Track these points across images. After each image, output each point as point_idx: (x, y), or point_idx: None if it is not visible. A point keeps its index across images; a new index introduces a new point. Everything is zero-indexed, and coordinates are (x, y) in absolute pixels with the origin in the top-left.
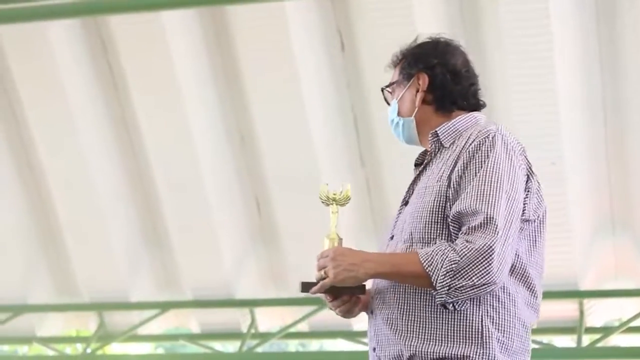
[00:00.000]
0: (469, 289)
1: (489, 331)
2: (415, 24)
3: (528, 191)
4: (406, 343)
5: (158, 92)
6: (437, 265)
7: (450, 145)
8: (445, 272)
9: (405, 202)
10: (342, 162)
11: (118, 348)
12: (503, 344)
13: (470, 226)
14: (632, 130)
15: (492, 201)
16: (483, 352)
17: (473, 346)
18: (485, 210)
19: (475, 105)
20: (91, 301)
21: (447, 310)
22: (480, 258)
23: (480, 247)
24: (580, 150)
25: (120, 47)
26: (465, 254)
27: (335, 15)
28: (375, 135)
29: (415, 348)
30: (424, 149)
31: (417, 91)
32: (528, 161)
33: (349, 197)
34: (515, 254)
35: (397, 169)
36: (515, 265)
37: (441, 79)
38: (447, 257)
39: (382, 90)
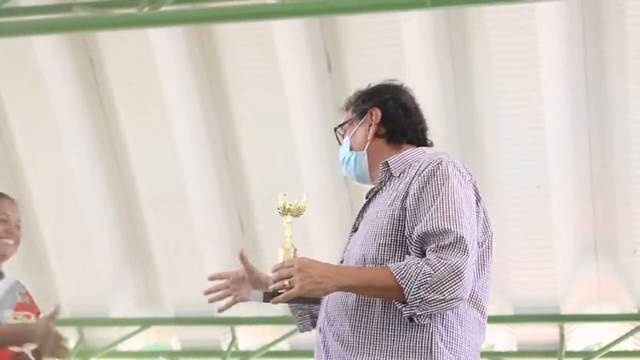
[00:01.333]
0: (438, 303)
1: (438, 347)
2: (403, 45)
3: (477, 216)
4: (356, 359)
5: (144, 109)
6: (410, 278)
7: (400, 175)
8: (419, 285)
9: (355, 229)
10: (327, 181)
11: None
12: (452, 358)
13: (440, 245)
14: (616, 156)
15: (459, 222)
16: None
17: (423, 359)
18: (456, 231)
19: (423, 141)
20: (71, 316)
21: (398, 327)
22: (452, 274)
23: (454, 263)
24: (566, 174)
25: (107, 63)
26: (439, 269)
27: (322, 36)
28: None
29: None
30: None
31: (370, 126)
32: (476, 188)
33: (303, 209)
34: None
35: None
36: None
37: (393, 112)
38: (421, 270)
39: (335, 130)
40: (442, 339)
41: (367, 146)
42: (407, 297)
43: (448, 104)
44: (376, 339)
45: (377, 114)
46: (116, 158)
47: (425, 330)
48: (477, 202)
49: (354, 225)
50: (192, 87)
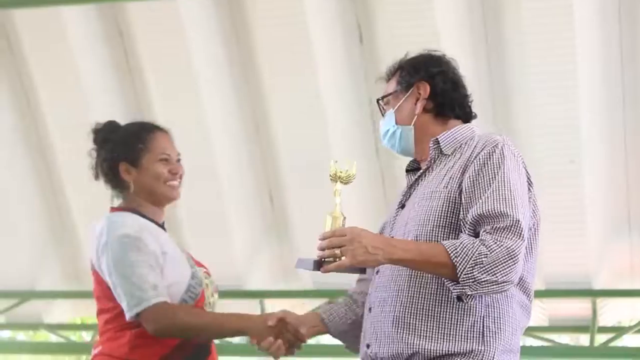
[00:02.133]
0: (491, 284)
1: (489, 329)
2: (435, 18)
3: (529, 199)
4: (408, 340)
5: (173, 79)
6: (465, 257)
7: (452, 153)
8: (473, 264)
9: (402, 205)
10: (358, 153)
11: None
12: (502, 341)
13: (497, 227)
14: None
15: (515, 206)
16: (485, 349)
17: (475, 343)
18: (512, 214)
19: (469, 114)
20: None
21: (449, 309)
22: (507, 257)
23: (509, 246)
24: (599, 150)
25: (136, 32)
26: (495, 250)
27: (354, 7)
28: None
29: (417, 346)
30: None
31: (417, 100)
32: (527, 172)
33: (353, 176)
34: None
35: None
36: None
37: (442, 86)
38: (477, 250)
39: (378, 101)
40: (494, 322)
41: (414, 121)
42: (460, 275)
43: (481, 77)
44: (428, 320)
45: (425, 88)
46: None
47: (477, 314)
48: (529, 186)
49: (401, 201)
50: (222, 59)
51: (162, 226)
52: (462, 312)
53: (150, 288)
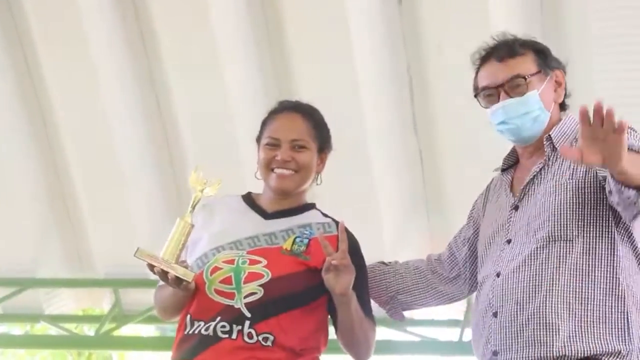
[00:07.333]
0: None
1: (635, 324)
2: None
3: None
4: (552, 342)
5: (191, 49)
6: None
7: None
8: None
9: (515, 207)
10: (393, 127)
11: (133, 329)
12: None
13: None
14: None
15: None
16: (632, 348)
17: (621, 342)
18: None
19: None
20: (106, 277)
21: (591, 304)
22: None
23: None
24: None
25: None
26: None
27: None
28: (432, 99)
29: (562, 349)
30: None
31: (557, 88)
32: None
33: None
34: None
35: (452, 137)
36: None
37: (565, 79)
38: None
39: (523, 77)
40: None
41: (552, 108)
42: None
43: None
44: (575, 320)
45: (563, 77)
46: (158, 104)
47: (620, 306)
48: None
49: (513, 203)
50: (246, 23)
51: (261, 211)
52: (605, 307)
53: None
